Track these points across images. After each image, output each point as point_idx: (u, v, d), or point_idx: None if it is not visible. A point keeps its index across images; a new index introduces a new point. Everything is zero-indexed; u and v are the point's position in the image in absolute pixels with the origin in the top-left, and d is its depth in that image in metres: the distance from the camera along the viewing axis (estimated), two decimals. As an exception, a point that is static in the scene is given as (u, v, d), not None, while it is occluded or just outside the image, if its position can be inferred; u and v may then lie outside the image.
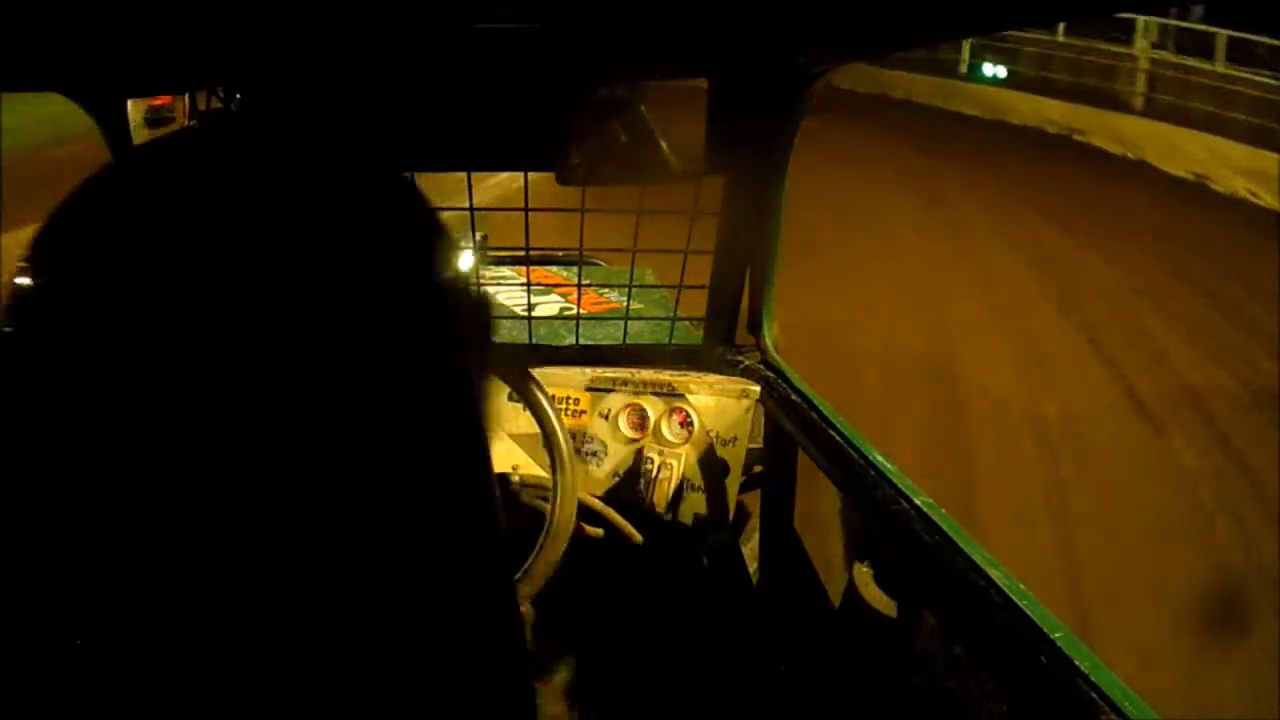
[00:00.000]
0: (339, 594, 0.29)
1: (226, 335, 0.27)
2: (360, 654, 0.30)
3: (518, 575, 0.93)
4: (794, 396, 1.16)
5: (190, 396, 0.26)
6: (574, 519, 0.97)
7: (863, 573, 0.95)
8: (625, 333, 1.31)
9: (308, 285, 0.28)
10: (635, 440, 1.24)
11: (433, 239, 0.34)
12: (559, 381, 1.22)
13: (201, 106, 0.99)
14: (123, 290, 0.27)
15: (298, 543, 0.28)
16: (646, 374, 1.24)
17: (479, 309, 0.37)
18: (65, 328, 0.27)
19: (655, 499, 1.25)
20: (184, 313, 0.26)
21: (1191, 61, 7.85)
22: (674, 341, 1.31)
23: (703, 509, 1.28)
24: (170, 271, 0.27)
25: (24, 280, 0.28)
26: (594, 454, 1.25)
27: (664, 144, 1.05)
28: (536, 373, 1.01)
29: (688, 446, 1.24)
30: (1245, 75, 7.29)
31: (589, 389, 1.23)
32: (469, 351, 0.35)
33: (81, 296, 0.27)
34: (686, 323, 1.35)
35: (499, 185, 3.62)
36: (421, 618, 0.31)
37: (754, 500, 1.33)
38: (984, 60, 9.58)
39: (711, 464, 1.25)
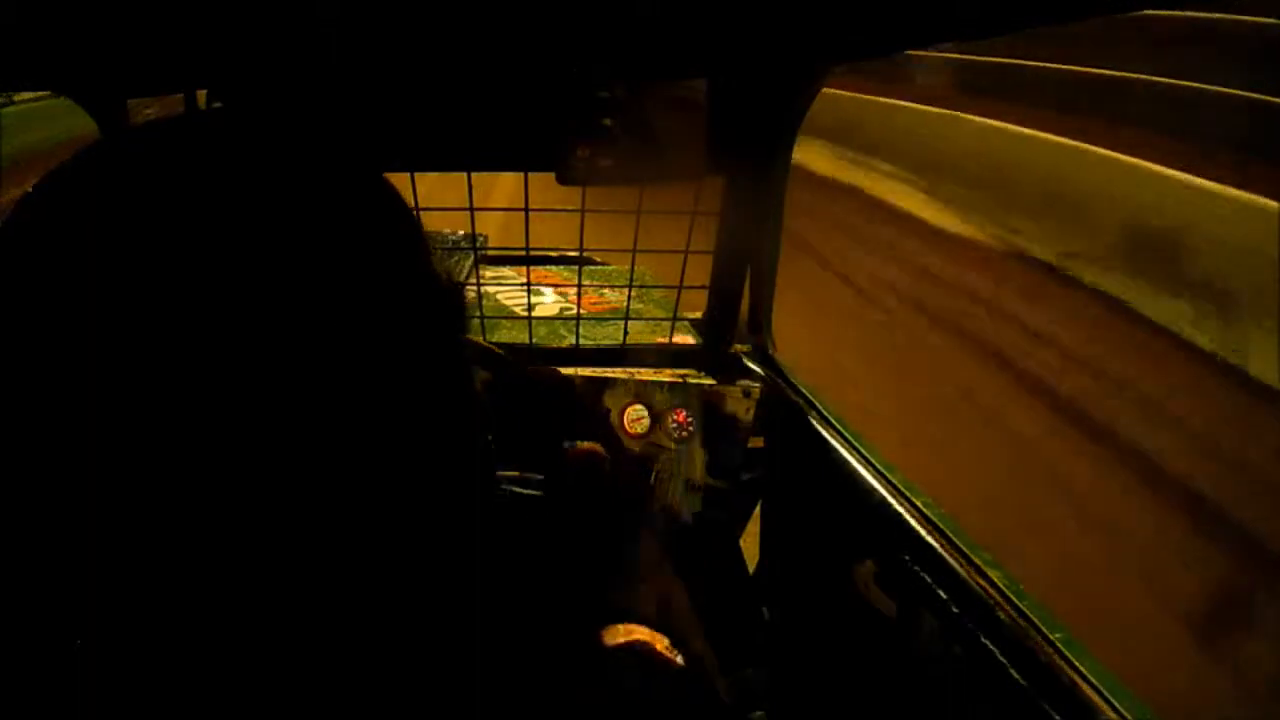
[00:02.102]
0: (322, 584, 0.29)
1: (198, 327, 0.27)
2: (349, 641, 0.30)
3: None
4: (794, 396, 1.16)
5: (167, 386, 0.26)
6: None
7: (863, 573, 0.95)
8: (625, 333, 1.31)
9: (275, 273, 0.28)
10: (635, 440, 1.24)
11: (401, 230, 0.34)
12: None
13: (202, 107, 0.99)
14: (100, 276, 0.27)
15: (278, 534, 0.28)
16: (646, 374, 1.24)
17: (450, 296, 0.37)
18: (39, 311, 0.27)
19: (655, 499, 1.25)
20: (160, 303, 0.26)
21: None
22: (674, 341, 1.31)
23: (703, 509, 1.28)
24: (144, 259, 0.27)
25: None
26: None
27: (664, 144, 1.05)
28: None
29: (688, 446, 1.24)
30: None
31: (588, 389, 1.23)
32: (442, 339, 0.35)
33: (55, 279, 0.27)
34: (686, 323, 1.35)
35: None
36: (410, 603, 0.32)
37: (754, 500, 1.33)
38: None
39: (711, 464, 1.25)
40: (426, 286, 0.34)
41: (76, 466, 0.26)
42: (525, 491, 0.92)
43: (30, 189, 0.29)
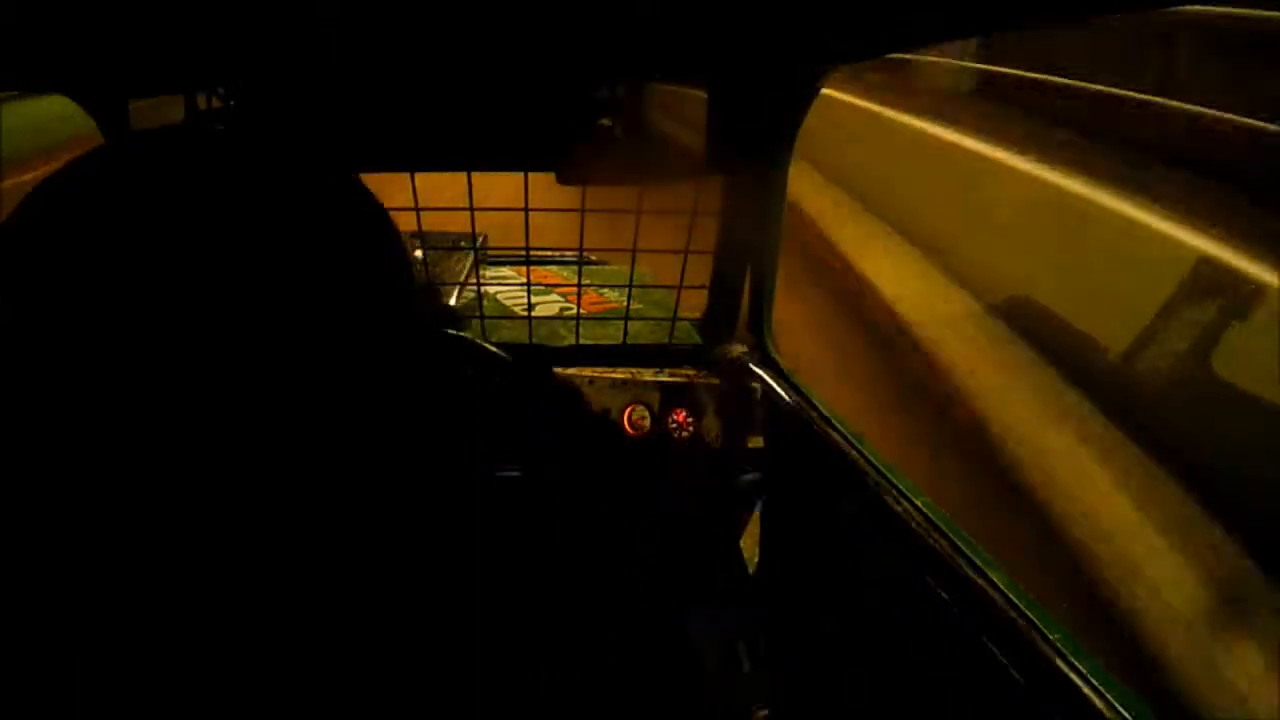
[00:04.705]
0: (318, 573, 0.30)
1: (176, 330, 0.27)
2: (345, 634, 0.30)
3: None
4: (794, 396, 1.16)
5: (156, 383, 0.27)
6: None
7: (863, 573, 0.95)
8: (625, 333, 1.31)
9: (253, 276, 0.29)
10: (635, 440, 1.24)
11: (374, 231, 0.35)
12: (559, 382, 1.22)
13: (202, 107, 0.99)
14: (98, 280, 0.27)
15: (267, 526, 0.29)
16: (647, 374, 1.24)
17: (422, 295, 0.38)
18: (35, 316, 0.27)
19: (656, 499, 1.25)
20: (143, 308, 0.27)
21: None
22: (674, 341, 1.31)
23: (703, 508, 1.28)
24: (133, 266, 0.27)
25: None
26: (594, 454, 1.25)
27: (664, 144, 1.05)
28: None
29: (688, 446, 1.24)
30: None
31: (589, 389, 1.23)
32: (410, 336, 0.35)
33: (55, 286, 0.28)
34: (686, 323, 1.35)
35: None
36: (407, 594, 0.32)
37: (754, 500, 1.33)
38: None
39: (711, 464, 1.25)
40: (396, 281, 0.35)
41: (77, 465, 0.26)
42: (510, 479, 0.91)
43: (32, 192, 0.30)
